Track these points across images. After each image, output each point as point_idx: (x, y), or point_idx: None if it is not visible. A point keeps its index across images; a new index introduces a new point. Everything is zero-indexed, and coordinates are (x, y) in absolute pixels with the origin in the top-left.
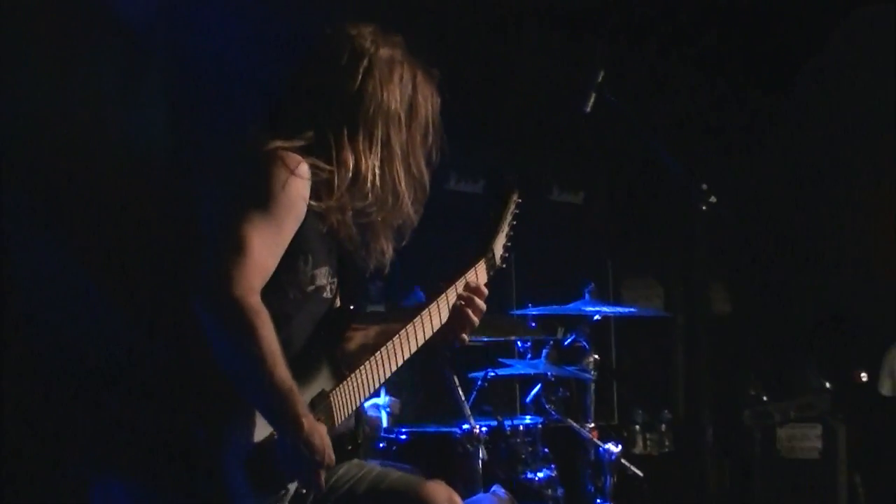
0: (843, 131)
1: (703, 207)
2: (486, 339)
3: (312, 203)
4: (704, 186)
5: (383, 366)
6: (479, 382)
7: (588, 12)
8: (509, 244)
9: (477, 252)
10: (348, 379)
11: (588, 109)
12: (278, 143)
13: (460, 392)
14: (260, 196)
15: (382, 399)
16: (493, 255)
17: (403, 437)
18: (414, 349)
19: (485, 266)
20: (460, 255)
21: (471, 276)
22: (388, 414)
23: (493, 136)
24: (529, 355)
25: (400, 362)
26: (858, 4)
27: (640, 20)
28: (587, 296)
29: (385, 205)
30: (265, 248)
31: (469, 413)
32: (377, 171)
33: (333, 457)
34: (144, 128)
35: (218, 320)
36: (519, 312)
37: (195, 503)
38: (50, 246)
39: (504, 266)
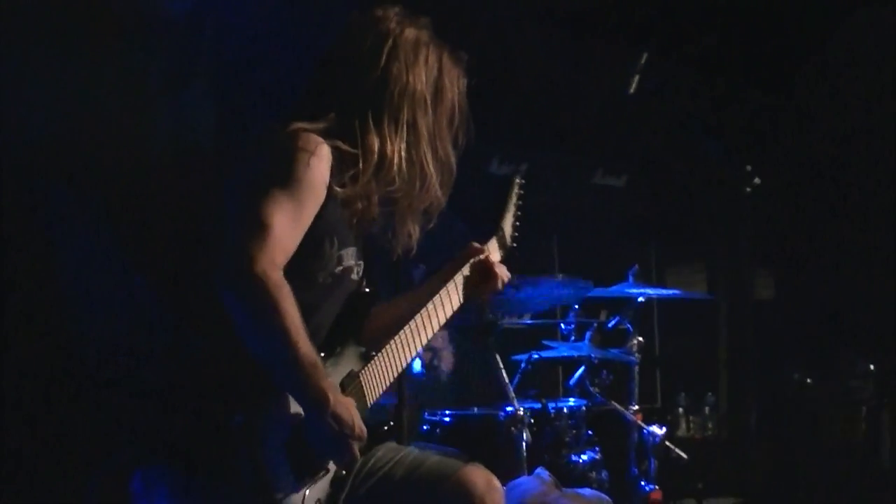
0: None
1: (748, 189)
2: (529, 322)
3: (337, 188)
4: (749, 168)
5: (408, 344)
6: (524, 365)
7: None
8: (518, 223)
9: (488, 231)
10: (376, 359)
11: (632, 91)
12: (300, 125)
13: (504, 375)
14: (280, 175)
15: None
16: (504, 233)
17: (447, 419)
18: (437, 326)
19: (496, 244)
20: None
21: (483, 255)
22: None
23: (536, 119)
24: (573, 338)
25: (425, 340)
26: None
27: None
28: (631, 278)
29: (412, 188)
30: (286, 224)
31: (513, 396)
32: (403, 154)
33: (364, 429)
34: (188, 124)
35: (240, 296)
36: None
37: (237, 489)
38: (93, 238)
39: (515, 244)
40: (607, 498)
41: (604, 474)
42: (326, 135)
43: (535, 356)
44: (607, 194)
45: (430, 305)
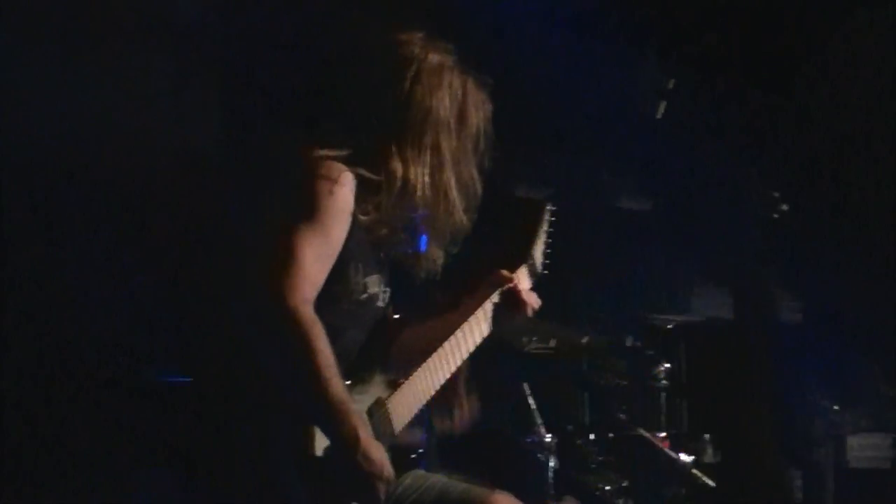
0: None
1: (775, 216)
2: (556, 346)
3: (360, 215)
4: (776, 195)
5: (437, 372)
6: (550, 391)
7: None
8: (548, 251)
9: (518, 258)
10: (403, 386)
11: (659, 116)
12: (322, 152)
13: (532, 400)
14: (306, 206)
15: None
16: (534, 260)
17: (474, 445)
18: (466, 353)
19: (526, 271)
20: (501, 262)
21: (512, 282)
22: None
23: (562, 143)
24: (600, 363)
25: (454, 367)
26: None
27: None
28: (658, 304)
29: (436, 213)
30: (315, 258)
31: (540, 422)
32: (426, 179)
33: (392, 472)
34: (194, 129)
35: (270, 333)
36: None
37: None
38: (97, 240)
39: (546, 272)
40: None
41: (630, 502)
42: (348, 161)
43: (563, 382)
44: (633, 218)
45: (458, 333)
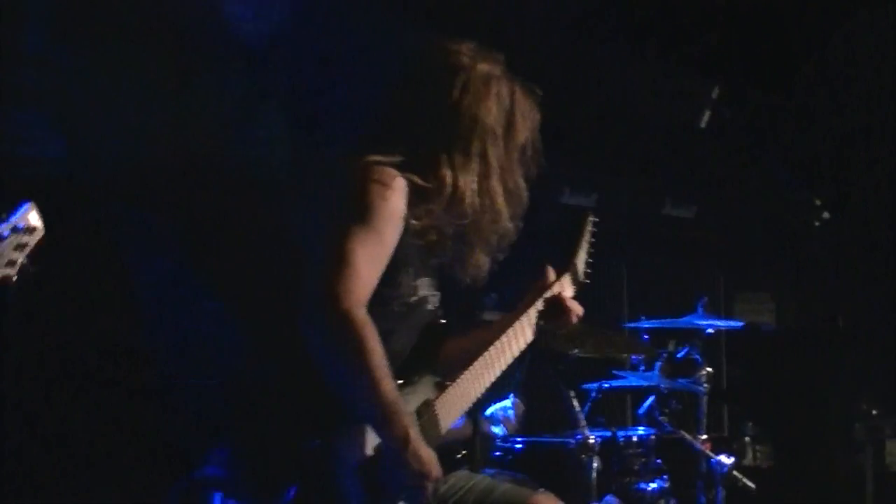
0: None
1: (817, 223)
2: None
3: (412, 221)
4: (818, 202)
5: (482, 375)
6: (593, 394)
7: (694, 29)
8: (591, 261)
9: (561, 266)
10: (450, 388)
11: (703, 125)
12: (375, 158)
13: (575, 403)
14: (360, 211)
15: (508, 401)
16: (576, 269)
17: (519, 446)
18: (511, 358)
19: (570, 279)
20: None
21: (556, 288)
22: (513, 415)
23: (607, 150)
24: (643, 367)
25: (498, 371)
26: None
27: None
28: (700, 309)
29: (482, 220)
30: (369, 261)
31: (584, 424)
32: (474, 187)
33: (441, 471)
34: (262, 146)
35: (325, 335)
36: (632, 325)
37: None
38: (171, 261)
39: (588, 281)
40: None
41: (672, 503)
42: (400, 168)
43: (605, 385)
44: (677, 224)
45: (503, 338)
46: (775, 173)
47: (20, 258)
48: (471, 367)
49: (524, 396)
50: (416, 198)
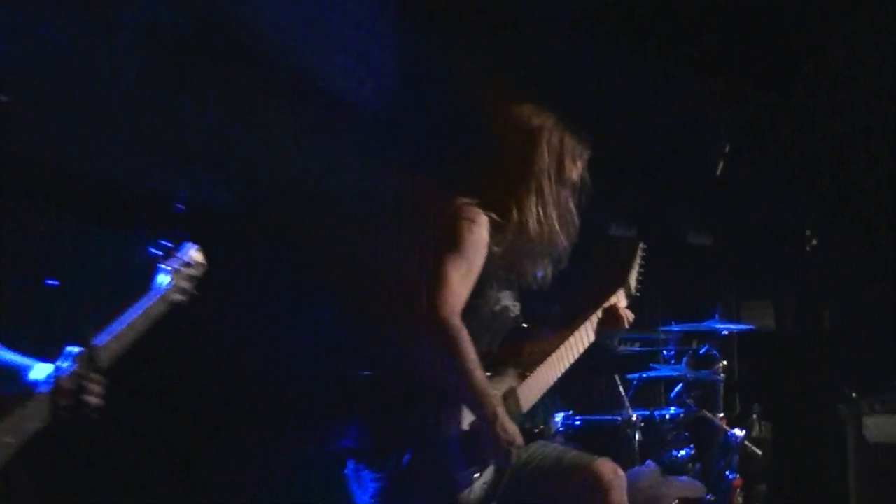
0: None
1: (808, 249)
2: (640, 349)
3: (493, 247)
4: (808, 232)
5: (555, 367)
6: (635, 382)
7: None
8: (640, 279)
9: (616, 283)
10: (529, 378)
11: (718, 173)
12: (464, 200)
13: (621, 389)
14: (454, 242)
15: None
16: (629, 285)
17: (577, 423)
18: (576, 354)
19: (623, 293)
20: (602, 287)
21: (613, 300)
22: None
23: (644, 192)
24: (673, 361)
25: (567, 364)
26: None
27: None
28: (717, 316)
29: (543, 241)
30: (460, 279)
31: (628, 405)
32: (535, 219)
33: (522, 440)
34: (374, 192)
35: (431, 337)
36: (665, 329)
37: (430, 468)
38: (293, 278)
39: (638, 294)
40: (700, 483)
41: (697, 466)
42: (483, 207)
43: (644, 375)
44: (699, 251)
45: (571, 339)
46: (776, 213)
47: (189, 286)
48: (546, 362)
49: (583, 384)
50: (496, 230)
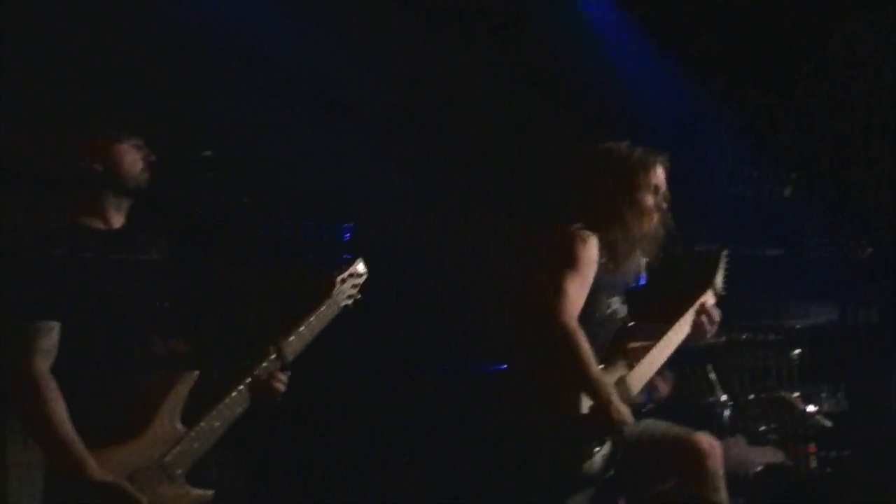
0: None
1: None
2: (726, 340)
3: (602, 261)
4: (863, 241)
5: (658, 357)
6: (724, 368)
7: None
8: (726, 281)
9: (705, 285)
10: (636, 367)
11: (787, 195)
12: (578, 226)
13: (712, 375)
14: (571, 259)
15: None
16: (717, 286)
17: (678, 405)
18: (675, 345)
19: (712, 293)
20: (693, 288)
21: (704, 299)
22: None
23: (726, 213)
24: (755, 350)
25: (668, 354)
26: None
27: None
28: (791, 312)
29: (637, 249)
30: (576, 290)
31: (718, 388)
32: (632, 232)
33: (633, 419)
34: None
35: (553, 338)
36: (747, 324)
37: (557, 445)
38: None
39: (724, 293)
40: (780, 451)
41: (777, 437)
42: (592, 228)
43: (731, 363)
44: (769, 261)
45: (670, 333)
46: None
47: (355, 293)
48: (650, 353)
49: (681, 371)
50: (602, 247)
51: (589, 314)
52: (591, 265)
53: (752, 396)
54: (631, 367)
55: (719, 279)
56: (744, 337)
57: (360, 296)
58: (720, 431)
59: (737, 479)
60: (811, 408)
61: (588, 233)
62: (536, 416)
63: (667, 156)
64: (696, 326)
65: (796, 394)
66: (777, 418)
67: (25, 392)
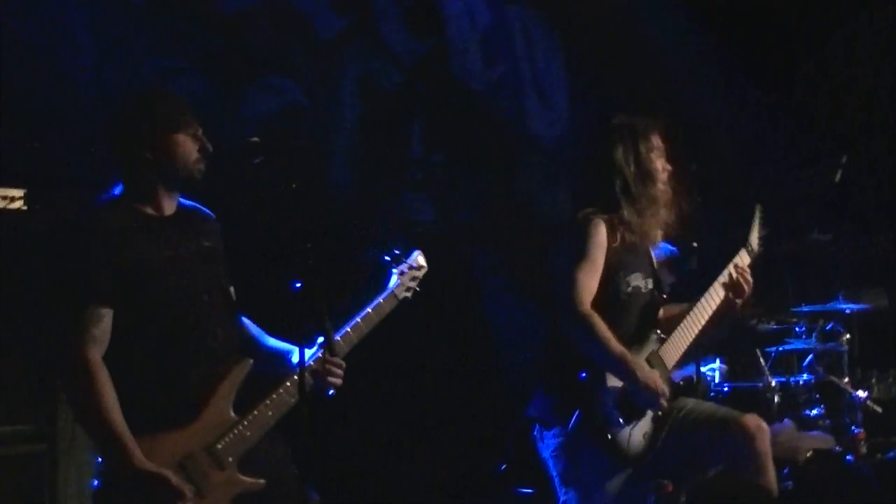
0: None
1: None
2: (777, 326)
3: (614, 244)
4: None
5: (691, 328)
6: (774, 354)
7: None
8: (762, 237)
9: (739, 244)
10: (668, 341)
11: (837, 180)
12: (589, 210)
13: (762, 360)
14: (580, 245)
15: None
16: (752, 246)
17: (726, 388)
18: (707, 316)
19: (746, 252)
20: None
21: (737, 260)
22: (719, 370)
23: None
24: (804, 336)
25: (700, 327)
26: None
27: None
28: (841, 298)
29: (654, 223)
30: (586, 276)
31: (768, 373)
32: (645, 212)
33: (666, 388)
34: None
35: (570, 325)
36: (796, 309)
37: (589, 425)
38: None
39: (761, 249)
40: (829, 436)
41: (827, 422)
42: (602, 212)
43: (781, 348)
44: (821, 247)
45: (702, 300)
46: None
47: (414, 286)
48: (681, 324)
49: (729, 356)
50: (613, 229)
51: (610, 294)
52: (599, 248)
53: (800, 381)
54: (663, 341)
55: (754, 237)
56: (794, 321)
57: (419, 289)
58: (768, 416)
59: (785, 463)
60: (861, 393)
61: (593, 217)
62: (569, 400)
63: (665, 122)
64: (733, 287)
65: (846, 379)
66: (826, 403)
67: (76, 380)
